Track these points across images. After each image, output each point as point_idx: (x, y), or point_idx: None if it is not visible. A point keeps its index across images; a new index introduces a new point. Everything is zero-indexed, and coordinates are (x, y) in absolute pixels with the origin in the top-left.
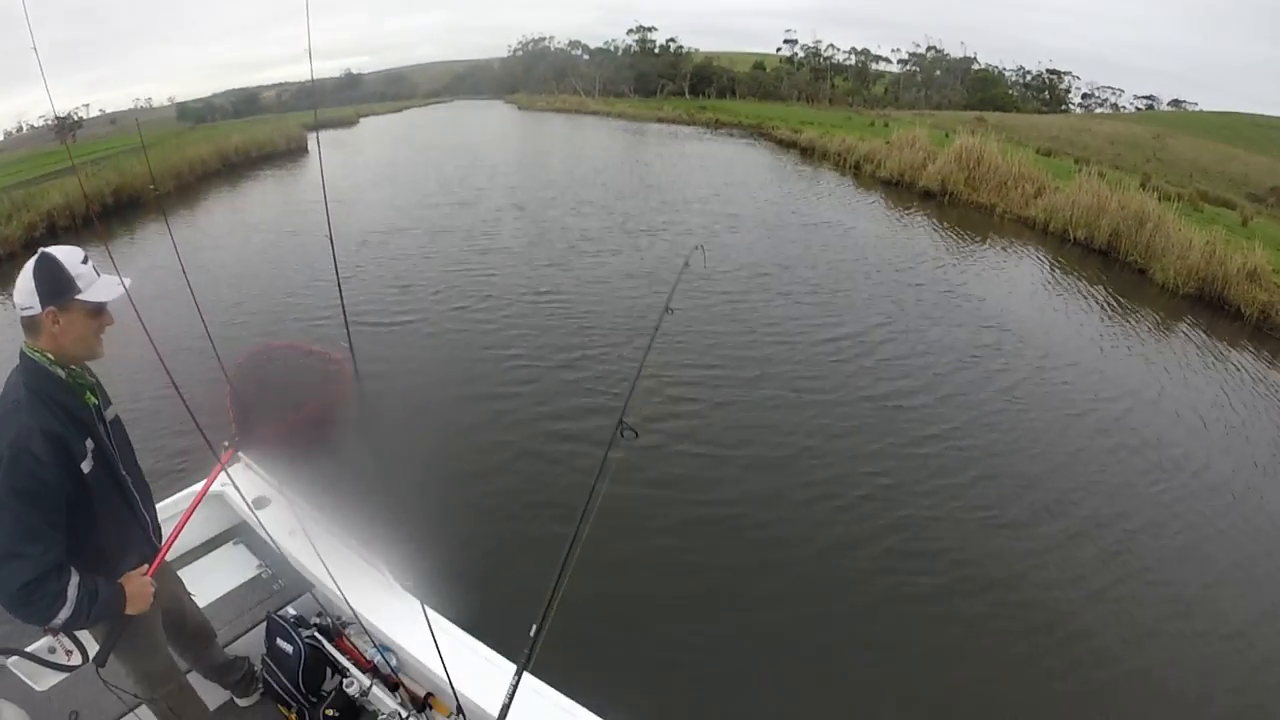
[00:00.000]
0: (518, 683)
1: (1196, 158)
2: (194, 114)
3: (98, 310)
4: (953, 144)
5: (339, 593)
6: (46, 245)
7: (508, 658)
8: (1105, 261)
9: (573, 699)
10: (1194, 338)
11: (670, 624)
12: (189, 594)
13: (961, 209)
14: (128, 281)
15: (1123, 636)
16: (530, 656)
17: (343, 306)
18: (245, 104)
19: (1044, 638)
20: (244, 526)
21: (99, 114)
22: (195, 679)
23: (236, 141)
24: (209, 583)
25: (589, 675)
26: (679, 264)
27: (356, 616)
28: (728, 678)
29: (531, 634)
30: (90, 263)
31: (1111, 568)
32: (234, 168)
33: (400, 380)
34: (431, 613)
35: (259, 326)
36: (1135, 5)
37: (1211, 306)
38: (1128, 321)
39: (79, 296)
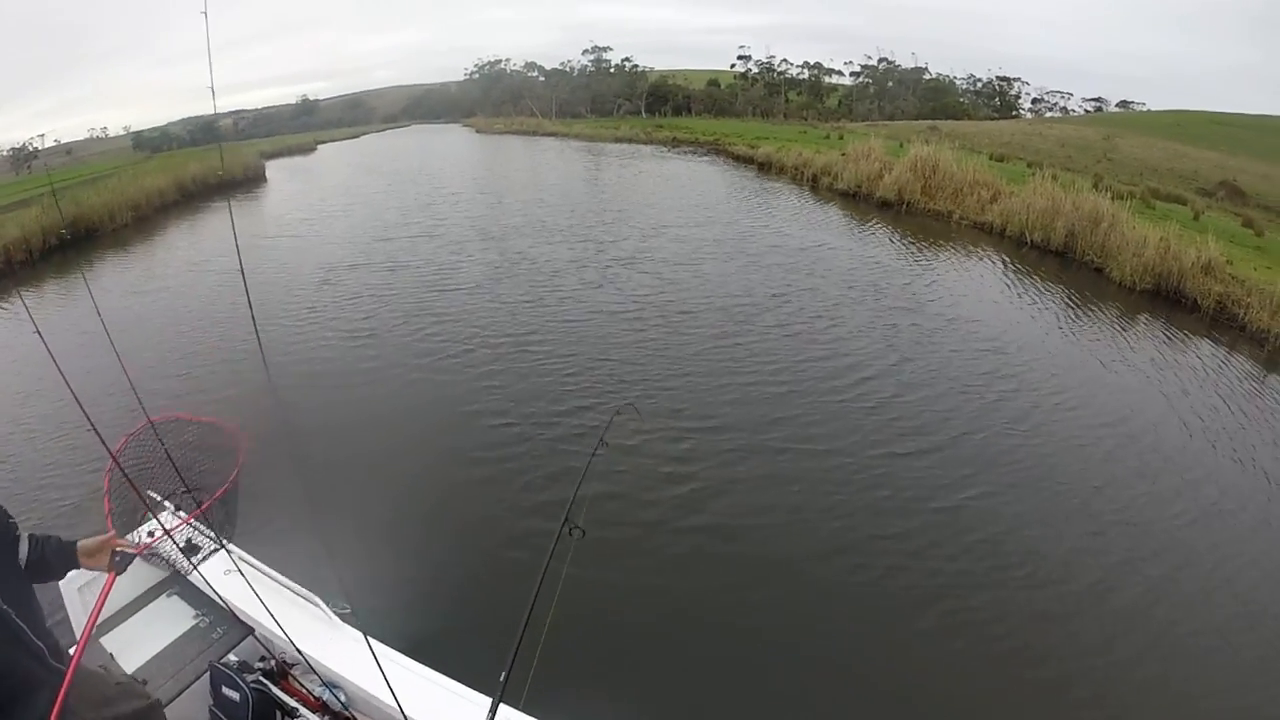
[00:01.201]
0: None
1: (1146, 156)
2: (150, 143)
3: None
4: (908, 154)
5: (281, 633)
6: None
7: (461, 681)
8: (1063, 262)
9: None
10: (1157, 332)
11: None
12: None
13: (920, 217)
14: None
15: None
16: (504, 688)
17: (258, 337)
18: (202, 132)
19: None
20: (176, 577)
21: (54, 144)
22: None
23: (194, 170)
24: (145, 640)
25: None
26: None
27: (301, 655)
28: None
29: (504, 673)
30: None
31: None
32: (192, 197)
33: (344, 414)
34: (376, 644)
35: (185, 369)
36: (1083, 11)
37: (1169, 301)
38: (1096, 326)
39: None
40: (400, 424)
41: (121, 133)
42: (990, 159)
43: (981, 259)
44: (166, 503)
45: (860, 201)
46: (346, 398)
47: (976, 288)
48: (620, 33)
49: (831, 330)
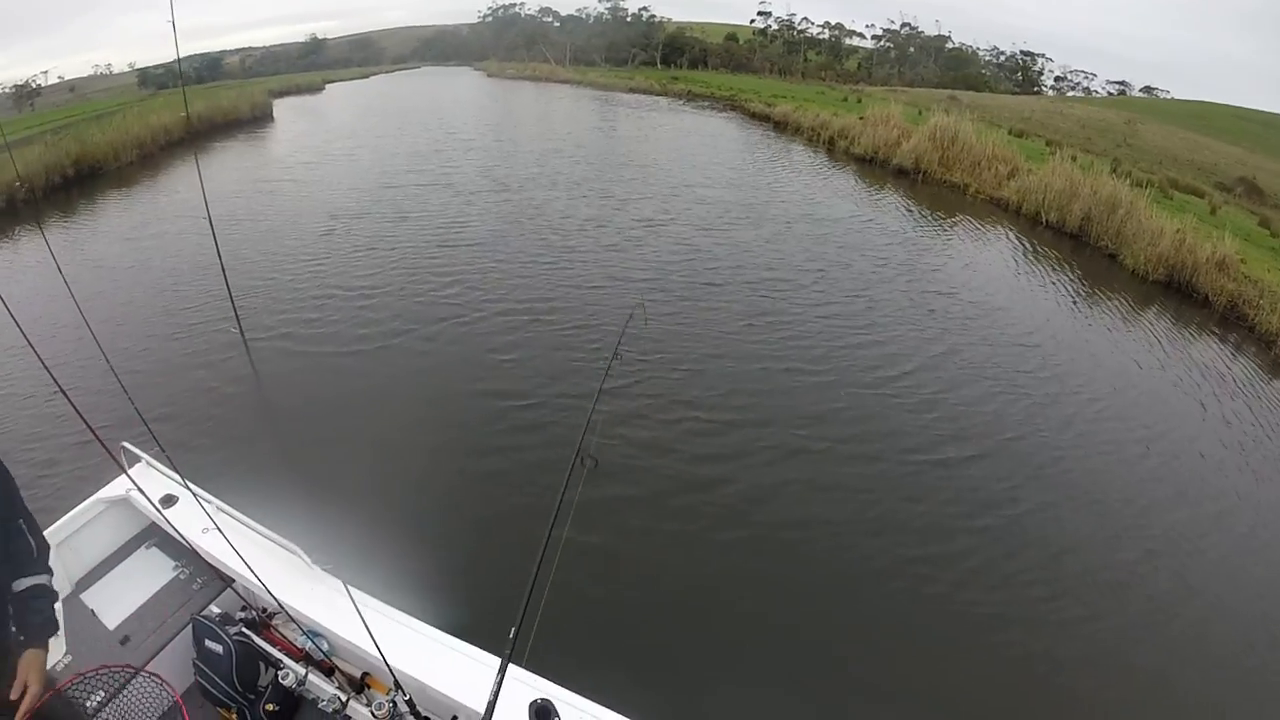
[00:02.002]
0: (502, 679)
1: (1166, 145)
2: (155, 80)
3: None
4: (927, 122)
5: (260, 584)
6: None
7: (440, 629)
8: (1076, 245)
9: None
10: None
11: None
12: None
13: (935, 187)
14: None
15: None
16: (514, 646)
17: (230, 295)
18: (208, 70)
19: None
20: (154, 529)
21: (57, 81)
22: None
23: (200, 109)
24: (127, 592)
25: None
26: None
27: (281, 606)
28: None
29: (514, 631)
30: None
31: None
32: (198, 135)
33: (339, 369)
34: (356, 592)
35: (163, 319)
36: None
37: (1180, 294)
38: (1126, 322)
39: None
40: (396, 389)
41: (126, 69)
42: (1010, 134)
43: (1001, 238)
44: (142, 453)
45: (876, 167)
46: (342, 353)
47: (1003, 271)
48: None
49: (869, 313)
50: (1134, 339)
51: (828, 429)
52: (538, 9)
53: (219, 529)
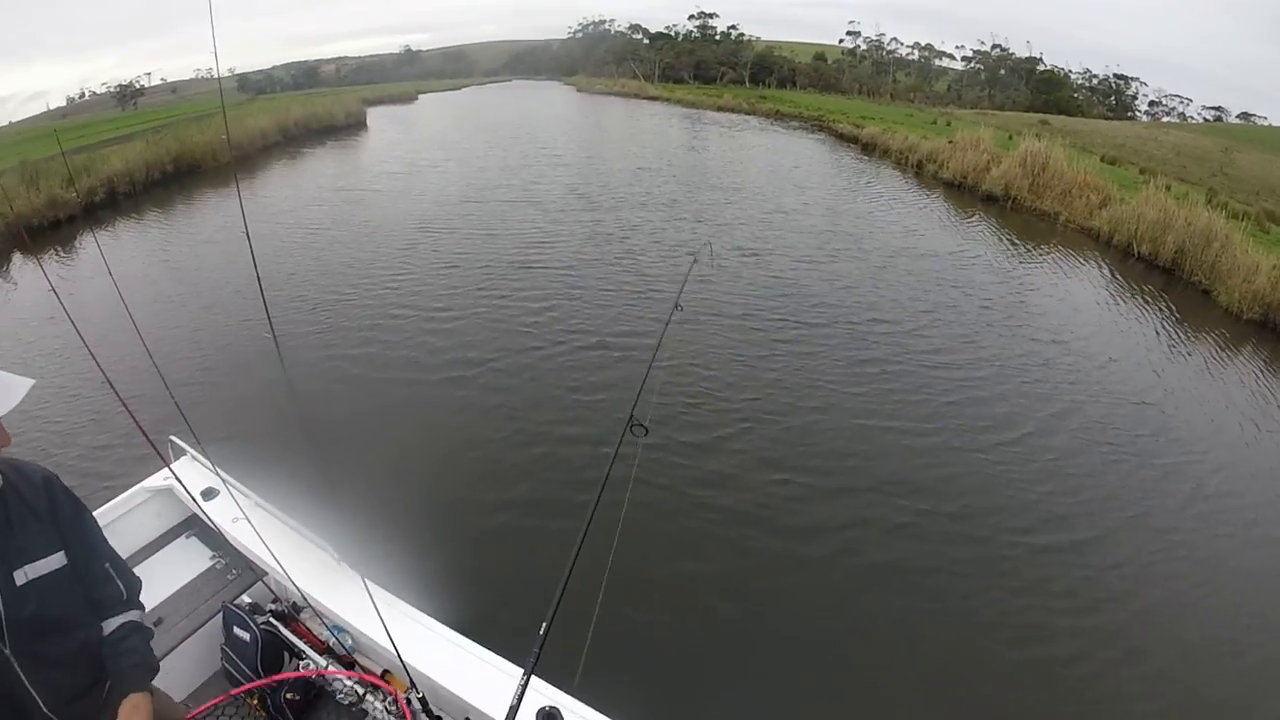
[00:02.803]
0: (525, 688)
1: (1265, 175)
2: (254, 85)
3: None
4: (1018, 147)
5: (291, 578)
6: (105, 212)
7: (460, 631)
8: (1169, 280)
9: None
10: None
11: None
12: None
13: (1024, 215)
14: (30, 383)
15: None
16: (539, 656)
17: (264, 302)
18: (305, 77)
19: None
20: (195, 519)
21: (160, 83)
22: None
23: (297, 114)
24: (164, 578)
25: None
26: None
27: (308, 600)
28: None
29: (541, 632)
30: None
31: None
32: (293, 140)
33: (387, 371)
34: (379, 590)
35: (210, 329)
36: (1208, 14)
37: (1277, 334)
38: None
39: None
40: (456, 411)
41: (226, 74)
42: (1102, 160)
43: (1096, 272)
44: (187, 446)
45: (965, 193)
46: (403, 379)
47: (1108, 315)
48: (722, 1)
49: (979, 364)
50: (1247, 393)
51: (930, 501)
52: (627, 26)
53: (254, 523)
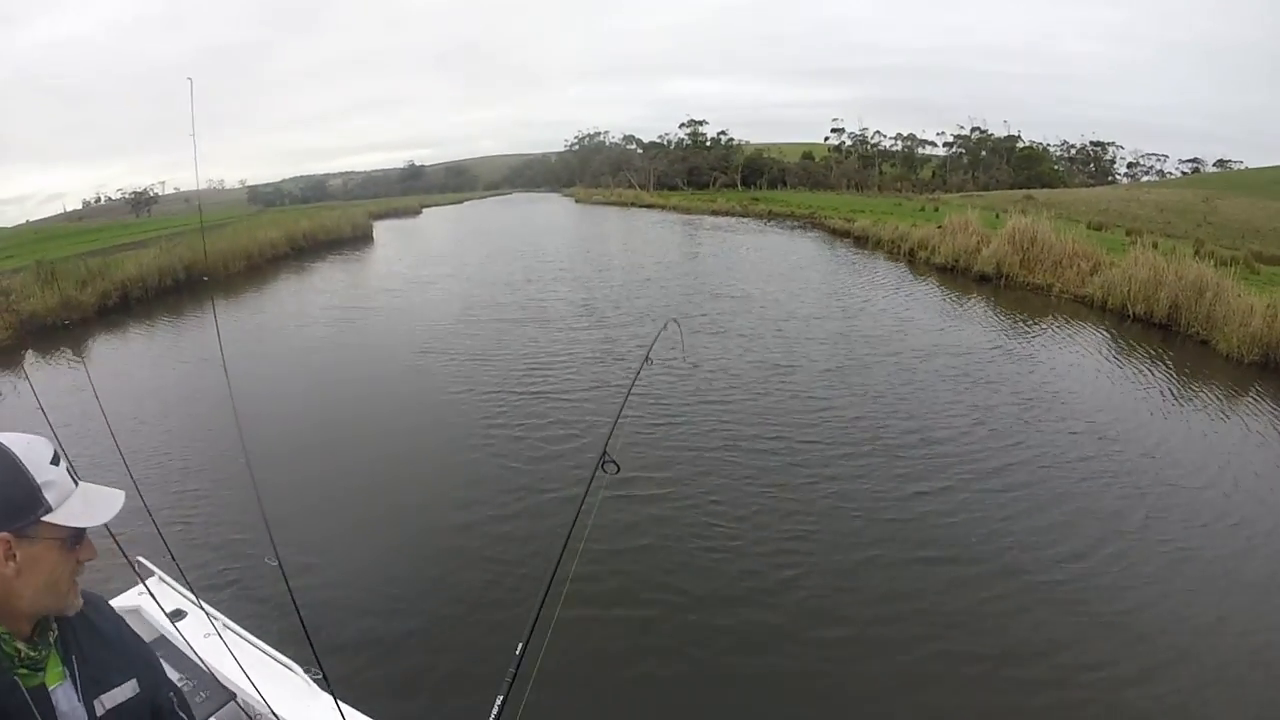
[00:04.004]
0: None
1: (1248, 217)
2: (263, 197)
3: (76, 539)
4: (1005, 225)
5: (261, 699)
6: (110, 321)
7: None
8: (1167, 335)
9: None
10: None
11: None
12: None
13: (1019, 291)
14: (120, 496)
15: None
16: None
17: (238, 424)
18: (313, 190)
19: None
20: (162, 640)
21: (174, 192)
22: None
23: (305, 227)
24: None
25: None
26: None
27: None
28: None
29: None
30: (64, 463)
31: None
32: (302, 252)
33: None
34: (349, 709)
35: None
36: (1177, 71)
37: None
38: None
39: (49, 518)
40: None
41: (236, 185)
42: (1088, 228)
43: (1100, 337)
44: (154, 567)
45: (958, 275)
46: (388, 507)
47: (1147, 399)
48: (710, 108)
49: (1038, 477)
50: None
51: (1005, 664)
52: (621, 136)
53: (223, 640)
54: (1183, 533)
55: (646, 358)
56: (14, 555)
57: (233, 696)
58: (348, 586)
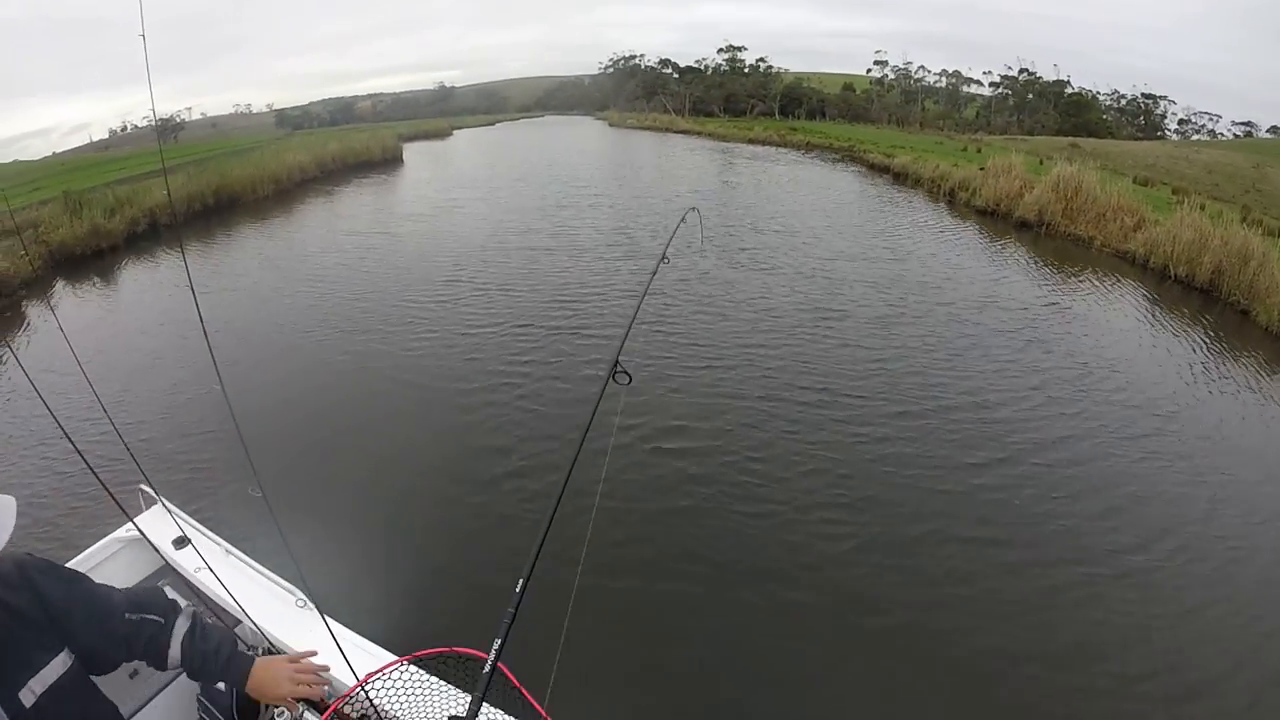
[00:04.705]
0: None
1: None
2: (291, 121)
3: None
4: (1050, 173)
5: (263, 623)
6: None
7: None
8: (1206, 300)
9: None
10: None
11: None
12: None
13: (1059, 241)
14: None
15: None
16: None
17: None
18: (341, 113)
19: None
20: (167, 569)
21: (200, 117)
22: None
23: (334, 150)
24: None
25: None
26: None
27: (280, 646)
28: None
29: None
30: None
31: None
32: (331, 175)
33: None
34: (348, 632)
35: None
36: (1237, 30)
37: None
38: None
39: None
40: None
41: (264, 110)
42: (1135, 183)
43: (1158, 307)
44: (156, 495)
45: (998, 220)
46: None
47: (1197, 374)
48: (746, 35)
49: (1106, 462)
50: None
51: (1059, 666)
52: (657, 60)
53: (224, 570)
54: (1243, 529)
55: (663, 256)
56: None
57: (237, 622)
58: (340, 512)
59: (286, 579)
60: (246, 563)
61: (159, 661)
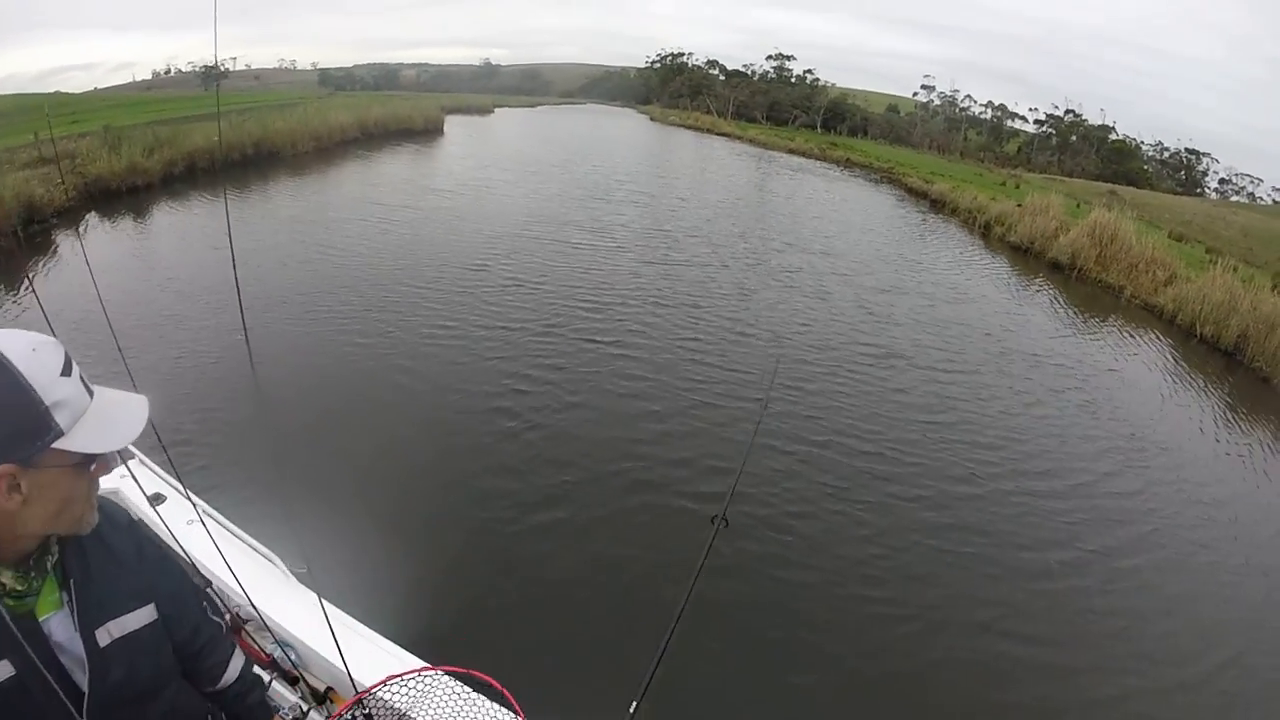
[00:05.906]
0: None
1: None
2: (334, 81)
3: (92, 459)
4: (1087, 216)
5: (238, 588)
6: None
7: (410, 651)
8: (1229, 364)
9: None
10: None
11: None
12: None
13: (1089, 287)
14: (143, 407)
15: None
16: None
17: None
18: (385, 78)
19: None
20: (141, 525)
21: (244, 69)
22: None
23: (377, 114)
24: None
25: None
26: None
27: (255, 612)
28: None
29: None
30: (76, 371)
31: None
32: (372, 138)
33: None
34: (330, 607)
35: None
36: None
37: None
38: None
39: (59, 444)
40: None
41: (309, 68)
42: (1169, 237)
43: (1193, 373)
44: (135, 449)
45: (1030, 258)
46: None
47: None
48: (798, 44)
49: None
50: None
51: None
52: (704, 60)
53: (204, 526)
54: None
55: (765, 403)
56: (19, 486)
57: (209, 584)
58: (340, 485)
59: (273, 550)
60: (227, 527)
61: (216, 668)
